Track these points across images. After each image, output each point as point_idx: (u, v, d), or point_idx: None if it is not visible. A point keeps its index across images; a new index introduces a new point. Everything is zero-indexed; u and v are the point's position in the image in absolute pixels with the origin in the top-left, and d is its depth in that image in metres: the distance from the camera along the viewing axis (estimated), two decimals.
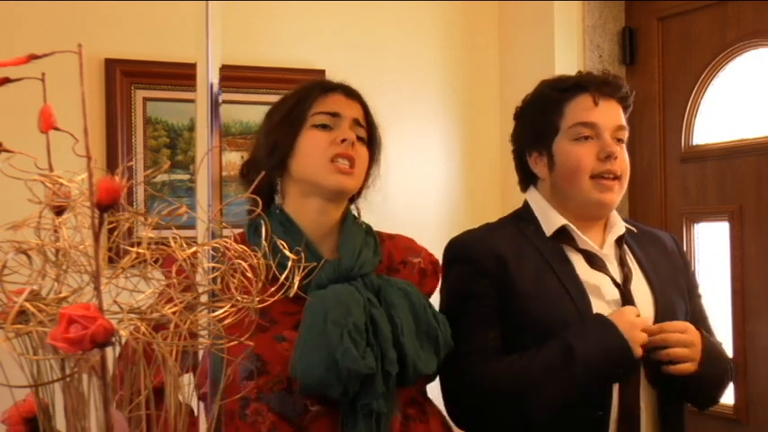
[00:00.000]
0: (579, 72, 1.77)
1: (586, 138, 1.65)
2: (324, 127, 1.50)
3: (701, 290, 1.86)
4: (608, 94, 1.68)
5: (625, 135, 1.70)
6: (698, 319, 1.75)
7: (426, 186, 2.99)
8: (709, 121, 2.68)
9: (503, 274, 1.61)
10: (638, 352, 1.53)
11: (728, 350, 2.52)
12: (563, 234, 1.67)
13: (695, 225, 2.70)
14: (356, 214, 1.59)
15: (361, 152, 1.52)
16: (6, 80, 0.91)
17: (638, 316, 1.56)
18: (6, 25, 2.45)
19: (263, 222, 1.30)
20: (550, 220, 1.68)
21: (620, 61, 2.92)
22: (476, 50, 3.09)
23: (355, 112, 1.53)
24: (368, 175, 1.57)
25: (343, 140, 1.48)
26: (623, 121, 1.70)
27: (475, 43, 3.09)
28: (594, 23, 2.88)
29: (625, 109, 1.72)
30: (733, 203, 2.55)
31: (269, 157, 1.50)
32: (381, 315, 1.42)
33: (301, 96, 1.53)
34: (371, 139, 1.56)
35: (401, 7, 2.97)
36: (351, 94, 1.55)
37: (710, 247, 2.67)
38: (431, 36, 3.03)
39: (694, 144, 2.71)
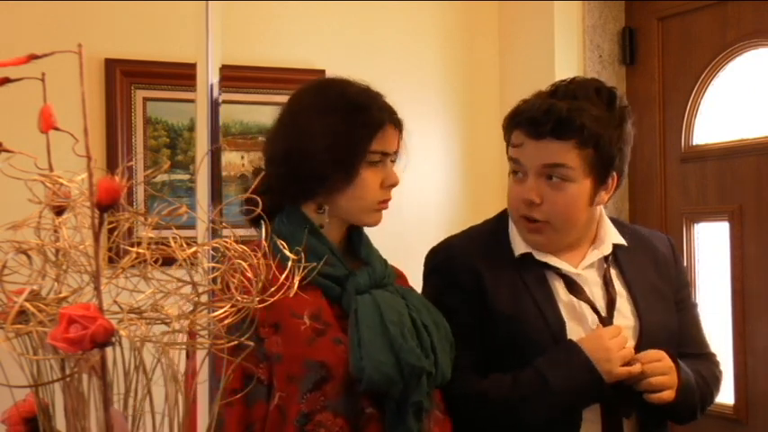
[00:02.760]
0: (535, 98, 1.62)
1: (517, 173, 1.60)
2: (375, 163, 1.49)
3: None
4: (533, 136, 1.55)
5: (563, 172, 1.55)
6: (690, 329, 1.73)
7: (426, 186, 2.99)
8: (709, 121, 2.68)
9: (477, 288, 1.59)
10: (617, 374, 1.52)
11: (728, 350, 2.53)
12: (531, 255, 1.62)
13: (695, 225, 2.70)
14: None
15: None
16: (6, 80, 0.91)
17: (618, 335, 1.54)
18: (6, 25, 2.45)
19: (263, 223, 1.30)
20: (516, 242, 1.64)
21: (620, 61, 2.92)
22: (476, 50, 3.09)
23: (398, 143, 1.54)
24: None
25: (391, 185, 1.51)
26: (556, 159, 1.54)
27: (475, 43, 3.09)
28: (594, 23, 2.88)
29: (579, 142, 1.53)
30: (733, 203, 2.55)
31: (318, 185, 1.48)
32: (417, 318, 1.46)
33: (363, 128, 1.48)
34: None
35: (401, 7, 2.97)
36: (398, 123, 1.55)
37: (710, 247, 2.67)
38: (431, 36, 3.03)
39: (694, 144, 2.71)
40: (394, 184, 1.52)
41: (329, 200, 1.49)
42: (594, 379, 1.51)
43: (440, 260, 1.67)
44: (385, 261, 1.56)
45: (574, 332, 1.57)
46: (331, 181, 1.47)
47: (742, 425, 2.52)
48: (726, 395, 2.55)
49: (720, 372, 1.75)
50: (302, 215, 1.49)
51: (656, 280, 1.70)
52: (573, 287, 1.60)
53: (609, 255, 1.66)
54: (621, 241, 1.68)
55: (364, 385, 1.37)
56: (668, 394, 1.54)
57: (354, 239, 1.55)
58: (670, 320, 1.68)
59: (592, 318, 1.59)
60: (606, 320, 1.59)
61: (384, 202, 1.52)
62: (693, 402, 1.63)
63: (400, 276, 1.63)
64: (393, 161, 1.54)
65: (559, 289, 1.61)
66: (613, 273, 1.66)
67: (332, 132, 1.47)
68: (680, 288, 1.75)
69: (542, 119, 1.54)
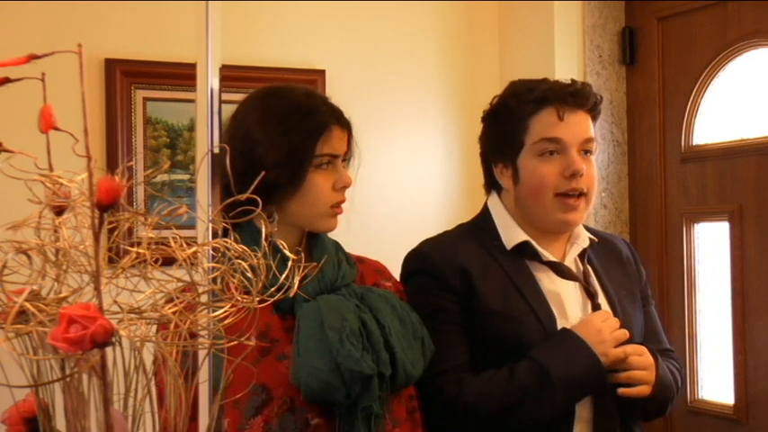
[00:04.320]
0: (546, 80, 1.67)
1: (552, 153, 1.60)
2: (323, 166, 1.47)
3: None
4: (574, 106, 1.61)
5: (594, 146, 1.64)
6: (652, 327, 1.75)
7: (426, 186, 2.99)
8: (709, 121, 2.68)
9: (467, 289, 1.59)
10: (612, 355, 1.53)
11: (728, 350, 2.53)
12: (525, 247, 1.63)
13: (695, 225, 2.70)
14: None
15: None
16: (6, 80, 0.91)
17: (608, 318, 1.56)
18: (6, 25, 2.45)
19: (262, 223, 1.30)
20: (511, 233, 1.64)
21: (620, 61, 2.92)
22: (476, 50, 3.09)
23: (346, 143, 1.51)
24: None
25: (343, 187, 1.48)
26: (592, 133, 1.63)
27: (475, 43, 3.09)
28: (594, 23, 2.88)
29: (594, 117, 1.65)
30: (733, 203, 2.55)
31: (266, 194, 1.45)
32: (371, 319, 1.42)
33: (306, 132, 1.46)
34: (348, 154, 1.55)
35: (401, 7, 2.97)
36: (344, 124, 1.51)
37: (710, 247, 2.67)
38: (431, 36, 3.03)
39: (694, 144, 2.71)
40: (346, 186, 1.49)
41: (279, 208, 1.46)
42: (594, 363, 1.52)
43: (425, 261, 1.65)
44: (341, 261, 1.52)
45: (563, 325, 1.58)
46: (279, 188, 1.44)
47: (742, 425, 2.52)
48: (726, 395, 2.55)
49: (680, 369, 1.76)
50: (254, 227, 1.44)
51: (623, 278, 1.73)
52: (563, 271, 1.62)
53: (584, 253, 1.68)
54: (593, 237, 1.72)
55: (303, 394, 1.36)
56: (644, 389, 1.56)
57: (311, 243, 1.52)
58: (640, 317, 1.72)
59: (577, 306, 1.61)
60: (596, 305, 1.61)
61: (338, 206, 1.49)
62: (667, 400, 1.64)
63: (381, 271, 1.61)
64: (346, 161, 1.51)
65: (544, 279, 1.62)
66: (589, 270, 1.68)
67: (274, 139, 1.45)
68: (642, 287, 1.78)
69: (585, 92, 1.63)
